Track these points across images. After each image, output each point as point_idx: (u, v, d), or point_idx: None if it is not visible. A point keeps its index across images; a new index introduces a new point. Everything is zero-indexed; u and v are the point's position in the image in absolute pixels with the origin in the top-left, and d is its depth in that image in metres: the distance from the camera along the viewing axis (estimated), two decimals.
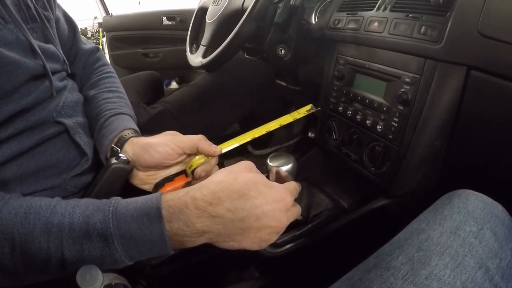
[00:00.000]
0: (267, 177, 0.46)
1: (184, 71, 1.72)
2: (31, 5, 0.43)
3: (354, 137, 0.63)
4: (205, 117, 0.74)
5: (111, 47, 1.71)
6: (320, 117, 0.73)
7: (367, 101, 0.60)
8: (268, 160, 0.48)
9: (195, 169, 0.42)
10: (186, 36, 0.93)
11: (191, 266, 0.52)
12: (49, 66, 0.42)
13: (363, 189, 0.64)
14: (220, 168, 0.37)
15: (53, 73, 0.44)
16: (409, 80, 0.52)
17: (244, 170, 0.34)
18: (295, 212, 0.35)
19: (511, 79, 0.42)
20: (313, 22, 0.81)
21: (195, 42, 0.92)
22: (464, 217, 0.35)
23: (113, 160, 0.40)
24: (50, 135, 0.42)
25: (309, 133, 0.98)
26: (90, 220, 0.29)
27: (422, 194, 0.58)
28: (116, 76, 0.59)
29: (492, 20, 0.43)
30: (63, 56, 0.48)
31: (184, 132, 0.44)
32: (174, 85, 1.79)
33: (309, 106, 0.53)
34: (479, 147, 0.51)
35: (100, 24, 2.58)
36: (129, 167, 0.41)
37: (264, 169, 0.48)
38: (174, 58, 1.62)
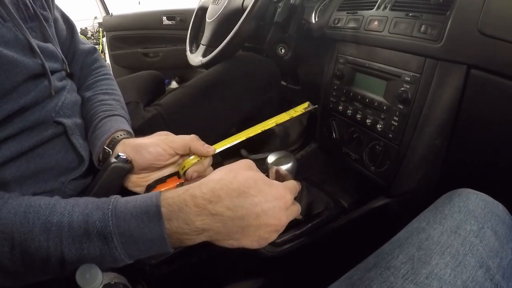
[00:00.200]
0: (267, 176, 0.46)
1: (184, 70, 1.72)
2: (29, 4, 0.43)
3: (354, 136, 0.63)
4: (200, 119, 0.73)
5: (111, 47, 1.71)
6: (320, 116, 0.73)
7: (367, 100, 0.59)
8: (267, 159, 0.48)
9: (187, 171, 0.42)
10: (186, 36, 0.93)
11: (191, 266, 0.52)
12: (48, 65, 0.42)
13: (363, 188, 0.64)
14: (220, 167, 0.36)
15: (52, 72, 0.44)
16: (409, 79, 0.52)
17: (244, 168, 0.34)
18: (295, 210, 0.35)
19: (511, 78, 0.42)
20: (313, 21, 0.81)
21: (195, 41, 0.92)
22: (464, 216, 0.35)
23: (113, 159, 0.40)
24: (49, 136, 0.42)
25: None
26: (89, 219, 0.29)
27: (422, 193, 0.58)
28: (113, 78, 0.59)
29: (492, 19, 0.43)
30: (62, 55, 0.48)
31: (179, 134, 0.44)
32: (174, 84, 1.79)
33: (306, 104, 0.52)
34: (479, 146, 0.51)
35: (100, 24, 2.58)
36: (128, 166, 0.41)
37: (264, 169, 0.48)
38: (174, 57, 1.62)
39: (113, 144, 0.43)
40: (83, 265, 0.27)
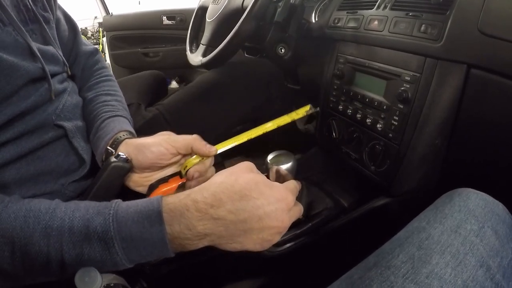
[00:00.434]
0: (267, 176, 0.46)
1: (184, 70, 1.72)
2: (30, 6, 0.42)
3: (354, 136, 0.62)
4: (201, 119, 0.73)
5: (111, 47, 1.71)
6: (320, 116, 0.73)
7: (367, 100, 0.59)
8: (268, 159, 0.48)
9: (189, 170, 0.42)
10: (186, 36, 0.93)
11: (191, 266, 0.52)
12: (49, 68, 0.41)
13: (363, 188, 0.64)
14: (220, 169, 0.36)
15: (53, 75, 0.44)
16: (409, 79, 0.52)
17: (245, 171, 0.34)
18: (297, 211, 0.35)
19: (511, 77, 0.42)
20: (313, 21, 0.81)
21: (195, 41, 0.92)
22: (465, 216, 0.35)
23: (113, 159, 0.40)
24: (49, 139, 0.42)
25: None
26: (90, 224, 0.29)
27: (422, 193, 0.58)
28: (115, 79, 0.59)
29: (492, 18, 0.43)
30: (63, 58, 0.47)
31: (181, 133, 0.44)
32: (174, 84, 1.79)
33: (307, 107, 0.53)
34: (479, 145, 0.51)
35: (100, 24, 2.58)
36: (128, 165, 0.41)
37: (264, 169, 0.48)
38: (174, 57, 1.62)
39: (116, 144, 0.43)
40: (82, 268, 0.27)
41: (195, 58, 0.82)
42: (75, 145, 0.44)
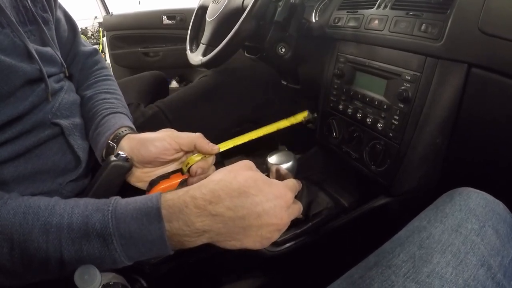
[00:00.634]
0: (267, 175, 0.46)
1: (184, 70, 1.72)
2: (29, 7, 0.42)
3: (355, 135, 0.62)
4: (202, 119, 0.74)
5: (111, 47, 1.71)
6: (320, 116, 0.73)
7: (367, 99, 0.59)
8: (268, 158, 0.48)
9: (191, 167, 0.42)
10: (186, 35, 0.93)
11: (190, 265, 0.52)
12: (46, 69, 0.42)
13: (363, 187, 0.64)
14: (220, 168, 0.36)
15: (50, 76, 0.44)
16: (409, 78, 0.52)
17: (244, 168, 0.34)
18: (297, 209, 0.35)
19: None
20: (313, 20, 0.81)
21: (195, 40, 0.92)
22: (465, 215, 0.35)
23: (112, 158, 0.40)
24: (46, 137, 0.42)
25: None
26: (89, 221, 0.29)
27: (423, 192, 0.58)
28: (114, 79, 0.59)
29: (492, 18, 0.43)
30: (61, 59, 0.47)
31: (181, 131, 0.44)
32: (174, 84, 1.79)
33: (305, 113, 0.54)
34: (479, 144, 0.51)
35: (100, 24, 2.58)
36: (128, 164, 0.41)
37: (264, 168, 0.48)
38: (174, 57, 1.62)
39: (117, 139, 0.43)
40: (81, 266, 0.27)
41: (195, 57, 0.82)
42: (71, 143, 0.44)
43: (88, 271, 0.27)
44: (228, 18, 0.76)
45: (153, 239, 0.29)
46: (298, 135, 0.86)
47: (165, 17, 1.60)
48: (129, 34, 1.66)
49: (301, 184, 0.38)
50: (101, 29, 2.77)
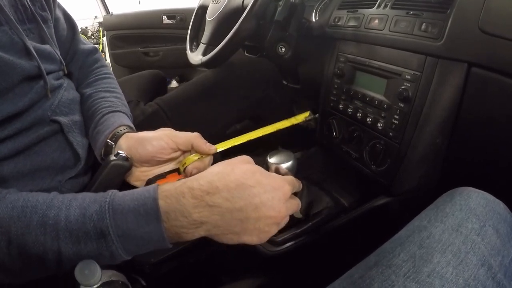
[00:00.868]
0: None
1: (184, 69, 1.72)
2: (27, 6, 0.43)
3: (355, 135, 0.62)
4: (201, 116, 0.73)
5: (111, 46, 1.71)
6: (320, 115, 0.73)
7: (367, 99, 0.59)
8: (268, 158, 0.48)
9: (187, 167, 0.42)
10: (186, 35, 0.93)
11: (190, 265, 0.52)
12: (45, 66, 0.42)
13: (363, 187, 0.64)
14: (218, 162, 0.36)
15: (49, 73, 0.44)
16: (409, 78, 0.52)
17: (242, 162, 0.34)
18: (295, 204, 0.34)
19: None
20: (314, 20, 0.80)
21: (195, 40, 0.92)
22: (466, 214, 0.35)
23: (112, 157, 0.40)
24: (45, 134, 0.42)
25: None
26: (86, 212, 0.29)
27: (423, 192, 0.58)
28: (114, 77, 0.59)
29: (492, 17, 0.43)
30: (60, 56, 0.48)
31: (180, 129, 0.44)
32: (174, 83, 1.78)
33: (307, 113, 0.53)
34: (480, 144, 0.51)
35: (100, 23, 2.58)
36: (128, 164, 0.41)
37: (264, 168, 0.48)
38: (174, 57, 1.62)
39: (116, 137, 0.43)
40: (82, 261, 0.27)
41: (195, 57, 0.82)
42: (70, 140, 0.44)
43: (89, 266, 0.27)
44: (228, 17, 0.76)
45: (151, 230, 0.29)
46: (298, 135, 0.86)
47: (165, 16, 1.60)
48: (129, 34, 1.66)
49: (301, 184, 0.38)
50: (101, 28, 2.77)
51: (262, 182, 0.31)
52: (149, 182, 0.42)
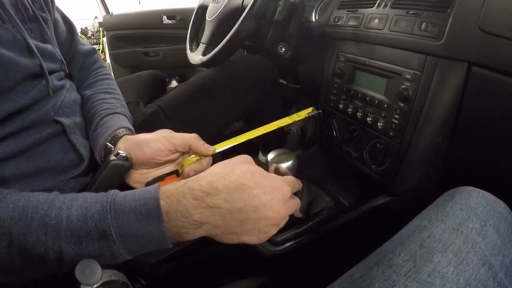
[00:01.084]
0: None
1: (184, 69, 1.71)
2: (28, 6, 0.43)
3: (355, 134, 0.62)
4: (201, 116, 0.73)
5: (111, 46, 1.71)
6: (321, 115, 0.73)
7: (367, 98, 0.59)
8: (268, 157, 0.48)
9: (184, 169, 0.42)
10: (186, 35, 0.93)
11: (190, 265, 0.52)
12: (46, 65, 0.42)
13: (363, 187, 0.64)
14: (218, 162, 0.36)
15: (51, 72, 0.44)
16: (409, 77, 0.52)
17: (242, 162, 0.34)
18: (294, 204, 0.34)
19: None
20: (314, 19, 0.80)
21: (195, 40, 0.92)
22: (466, 214, 0.35)
23: (112, 157, 0.40)
24: (48, 135, 0.42)
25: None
26: (88, 212, 0.29)
27: (423, 191, 0.57)
28: (113, 78, 0.59)
29: (492, 16, 0.43)
30: (61, 56, 0.48)
31: (180, 129, 0.44)
32: (174, 83, 1.78)
33: (310, 109, 0.53)
34: (480, 144, 0.51)
35: (100, 24, 2.58)
36: (128, 164, 0.41)
37: (265, 168, 0.48)
38: (174, 56, 1.62)
39: (114, 140, 0.43)
40: (82, 260, 0.27)
41: (195, 57, 0.82)
42: (73, 141, 0.44)
43: (89, 265, 0.27)
44: (228, 17, 0.76)
45: (152, 230, 0.29)
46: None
47: (165, 17, 1.59)
48: (129, 34, 1.66)
49: (301, 184, 0.38)
50: (101, 29, 2.77)
51: (262, 183, 0.31)
52: (148, 184, 0.42)
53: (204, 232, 0.30)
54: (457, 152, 0.54)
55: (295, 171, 0.48)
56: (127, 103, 0.55)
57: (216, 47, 0.72)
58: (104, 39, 2.07)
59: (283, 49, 0.76)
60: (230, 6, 0.75)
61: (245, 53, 1.02)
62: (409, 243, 0.33)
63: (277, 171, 0.46)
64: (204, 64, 0.78)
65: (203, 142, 0.43)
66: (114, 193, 0.31)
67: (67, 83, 0.49)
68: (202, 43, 0.84)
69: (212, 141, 0.44)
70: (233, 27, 0.66)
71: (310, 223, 0.59)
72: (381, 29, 0.57)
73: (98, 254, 0.28)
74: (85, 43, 0.60)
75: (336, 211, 0.61)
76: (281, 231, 0.33)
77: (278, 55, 0.77)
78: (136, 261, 0.31)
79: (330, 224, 0.60)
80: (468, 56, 0.46)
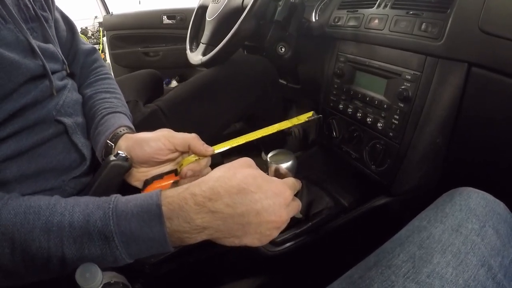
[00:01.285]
0: (267, 174, 0.46)
1: (184, 69, 1.71)
2: (30, 5, 0.43)
3: (355, 135, 0.62)
4: (200, 116, 0.73)
5: (111, 46, 1.71)
6: (321, 119, 0.73)
7: (367, 99, 0.59)
8: (268, 157, 0.48)
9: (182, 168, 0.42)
10: (186, 35, 0.93)
11: (190, 265, 0.52)
12: (49, 66, 0.42)
13: (363, 187, 0.64)
14: (219, 166, 0.36)
15: (53, 72, 0.44)
16: (409, 77, 0.52)
17: (243, 166, 0.34)
18: (296, 206, 0.34)
19: None
20: (314, 20, 0.80)
21: (195, 40, 0.92)
22: (466, 215, 0.35)
23: (112, 157, 0.40)
24: (50, 135, 0.42)
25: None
26: (90, 218, 0.29)
27: (423, 192, 0.57)
28: (113, 77, 0.60)
29: (492, 17, 0.43)
30: (62, 56, 0.48)
31: (179, 129, 0.44)
32: (174, 83, 1.78)
33: (310, 113, 0.53)
34: (480, 144, 0.51)
35: (100, 24, 2.58)
36: (128, 164, 0.41)
37: (265, 168, 0.48)
38: (174, 56, 1.62)
39: (115, 138, 0.43)
40: (83, 264, 0.27)
41: (195, 57, 0.82)
42: (75, 141, 0.44)
43: (90, 269, 0.27)
44: (228, 17, 0.76)
45: (154, 236, 0.29)
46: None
47: (165, 16, 1.59)
48: (129, 34, 1.66)
49: (301, 184, 0.38)
50: (101, 28, 2.77)
51: (264, 187, 0.31)
52: (146, 182, 0.42)
53: (206, 236, 0.30)
54: (457, 153, 0.54)
55: (295, 172, 0.48)
56: (126, 102, 0.56)
57: (216, 47, 0.72)
58: (104, 39, 2.08)
59: (283, 49, 0.76)
60: (230, 6, 0.76)
61: (245, 53, 1.02)
62: (408, 244, 0.33)
63: (277, 171, 0.46)
64: (204, 64, 0.78)
65: (203, 142, 0.43)
66: (116, 198, 0.31)
67: (69, 82, 0.49)
68: (202, 43, 0.84)
69: (212, 142, 0.44)
70: (233, 27, 0.66)
71: (310, 223, 0.59)
72: (381, 30, 0.57)
73: (101, 259, 0.29)
74: (86, 42, 0.61)
75: (336, 212, 0.61)
76: (281, 231, 0.33)
77: (278, 55, 0.77)
78: (136, 262, 0.31)
79: (330, 224, 0.60)
80: (468, 57, 0.46)
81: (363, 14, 0.62)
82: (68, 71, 0.51)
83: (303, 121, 0.52)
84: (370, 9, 0.61)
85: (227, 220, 0.30)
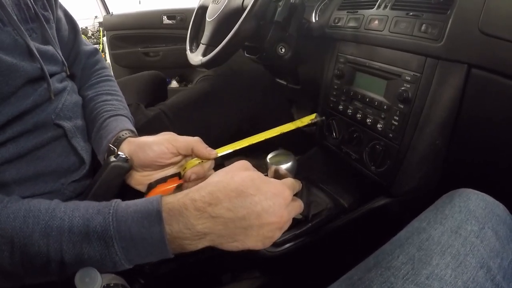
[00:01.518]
0: (266, 176, 0.46)
1: (184, 70, 1.72)
2: (30, 5, 0.42)
3: (354, 136, 0.62)
4: (203, 121, 0.74)
5: (111, 46, 1.71)
6: (320, 116, 0.73)
7: (367, 100, 0.59)
8: (267, 158, 0.48)
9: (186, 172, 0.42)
10: (186, 35, 0.93)
11: (190, 265, 0.52)
12: (48, 68, 0.41)
13: (363, 188, 0.64)
14: (217, 170, 0.36)
15: (52, 75, 0.44)
16: (409, 79, 0.52)
17: (241, 169, 0.34)
18: (297, 206, 0.35)
19: None
20: (314, 20, 0.80)
21: (195, 40, 0.92)
22: (465, 216, 0.35)
23: (112, 158, 0.40)
24: (49, 139, 0.42)
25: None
26: (90, 223, 0.29)
27: (423, 193, 0.57)
28: (114, 80, 0.59)
29: (493, 18, 0.43)
30: (62, 58, 0.47)
31: (182, 132, 0.44)
32: (174, 84, 1.78)
33: (313, 115, 0.53)
34: (480, 145, 0.51)
35: (100, 24, 2.58)
36: (128, 165, 0.41)
37: (264, 169, 0.48)
38: (174, 57, 1.62)
39: (118, 142, 0.43)
40: (82, 268, 0.27)
41: (195, 57, 0.82)
42: (74, 145, 0.44)
43: (89, 273, 0.27)
44: (228, 18, 0.76)
45: (154, 242, 0.29)
46: (298, 137, 0.86)
47: (165, 17, 1.60)
48: (129, 34, 1.66)
49: (301, 184, 0.38)
50: (101, 28, 2.77)
51: (263, 189, 0.31)
52: (150, 186, 0.42)
53: (208, 242, 0.30)
54: (457, 154, 0.54)
55: (295, 173, 0.48)
56: (127, 105, 0.56)
57: (216, 47, 0.72)
58: (104, 39, 2.08)
59: (283, 49, 0.76)
60: (230, 7, 0.75)
61: (245, 54, 1.02)
62: (408, 246, 0.34)
63: (277, 172, 0.46)
64: (204, 65, 0.78)
65: (206, 145, 0.43)
66: (116, 203, 0.31)
67: (69, 84, 0.49)
68: (202, 44, 0.84)
69: (215, 145, 0.44)
70: (233, 27, 0.66)
71: (310, 224, 0.59)
72: (381, 31, 0.57)
73: (100, 264, 0.29)
74: (88, 43, 0.60)
75: (336, 212, 0.61)
76: None
77: (278, 56, 0.77)
78: None
79: (330, 225, 0.60)
80: (468, 58, 0.46)
81: (363, 15, 0.62)
82: (68, 73, 0.50)
83: (306, 123, 0.52)
84: (370, 10, 0.61)
85: (228, 225, 0.30)
